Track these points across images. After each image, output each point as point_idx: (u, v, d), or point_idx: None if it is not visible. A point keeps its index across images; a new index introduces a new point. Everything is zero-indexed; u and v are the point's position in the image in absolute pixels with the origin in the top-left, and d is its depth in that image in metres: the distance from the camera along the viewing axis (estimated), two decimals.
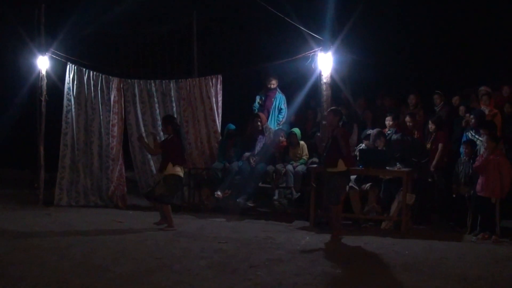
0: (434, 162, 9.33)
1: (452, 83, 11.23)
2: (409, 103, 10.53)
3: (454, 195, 8.96)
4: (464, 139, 9.27)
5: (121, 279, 5.72)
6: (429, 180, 9.42)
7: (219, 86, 10.95)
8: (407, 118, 9.91)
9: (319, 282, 5.76)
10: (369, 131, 9.78)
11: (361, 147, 9.66)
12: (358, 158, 9.20)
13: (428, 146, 9.54)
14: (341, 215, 8.39)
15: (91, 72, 11.14)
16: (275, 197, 10.13)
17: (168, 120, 8.94)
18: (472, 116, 9.30)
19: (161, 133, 10.61)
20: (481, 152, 8.58)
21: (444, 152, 9.40)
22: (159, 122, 10.97)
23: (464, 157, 8.87)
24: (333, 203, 7.92)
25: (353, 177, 9.27)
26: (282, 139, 10.31)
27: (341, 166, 7.87)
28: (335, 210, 8.02)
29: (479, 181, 8.28)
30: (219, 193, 9.94)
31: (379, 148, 9.43)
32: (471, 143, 8.92)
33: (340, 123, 8.07)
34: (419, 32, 12.36)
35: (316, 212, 9.01)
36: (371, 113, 10.78)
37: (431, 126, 9.54)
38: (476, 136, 9.08)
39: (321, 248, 7.44)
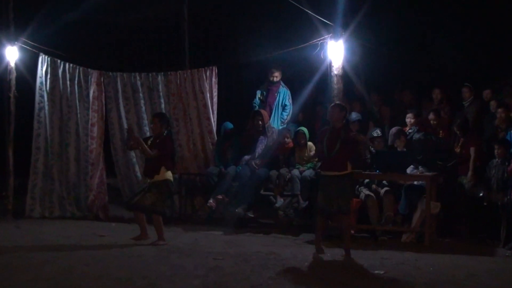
0: (469, 173, 9.22)
1: (483, 74, 11.19)
2: (434, 98, 10.49)
3: (485, 203, 8.93)
4: (508, 137, 9.16)
5: None
6: (456, 185, 9.42)
7: (214, 80, 10.97)
8: (431, 115, 9.89)
9: None
10: (375, 133, 9.71)
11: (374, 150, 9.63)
12: (372, 161, 9.20)
13: (458, 150, 9.48)
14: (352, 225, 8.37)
15: (67, 64, 11.14)
16: (278, 205, 10.05)
17: (163, 117, 8.87)
18: None
19: (148, 133, 10.64)
20: None
21: (478, 156, 9.35)
22: (145, 121, 10.98)
23: (497, 160, 8.83)
24: (345, 211, 7.81)
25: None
26: (288, 140, 10.27)
27: (349, 167, 7.79)
28: (347, 221, 7.95)
29: None
30: (211, 201, 9.91)
31: (398, 149, 9.41)
32: (504, 143, 8.87)
33: (344, 121, 8.03)
34: (444, 16, 12.32)
35: (327, 223, 8.97)
36: (389, 109, 10.76)
37: (457, 131, 9.54)
38: None
39: (332, 265, 7.40)
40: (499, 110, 9.40)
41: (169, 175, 8.53)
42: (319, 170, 9.07)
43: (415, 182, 9.11)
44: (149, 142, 8.58)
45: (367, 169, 9.15)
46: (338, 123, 7.82)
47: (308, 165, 9.99)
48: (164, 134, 8.66)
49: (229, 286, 6.30)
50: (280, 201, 9.93)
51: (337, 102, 8.38)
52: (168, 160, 8.55)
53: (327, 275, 6.85)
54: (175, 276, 6.64)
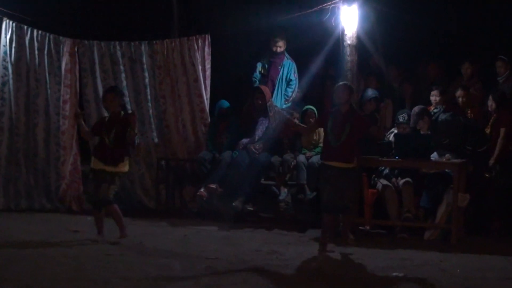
0: (496, 153, 9.31)
1: None
2: (463, 73, 10.48)
3: None
4: None
5: None
6: (487, 175, 9.44)
7: (207, 50, 10.99)
8: (459, 92, 9.90)
9: None
10: (401, 117, 9.70)
11: (394, 132, 9.65)
12: (393, 146, 9.21)
13: (488, 130, 9.54)
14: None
15: (36, 31, 11.11)
16: (281, 197, 10.10)
17: (118, 92, 8.78)
18: None
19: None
20: None
21: (509, 139, 9.38)
22: (127, 99, 10.99)
23: None
24: (350, 210, 7.99)
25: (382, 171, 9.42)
26: (295, 120, 10.26)
27: (355, 159, 7.98)
28: (348, 219, 8.08)
29: None
30: (202, 190, 9.94)
31: (421, 132, 9.44)
32: None
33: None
34: None
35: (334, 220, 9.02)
36: (411, 85, 10.77)
37: (491, 104, 9.52)
38: None
39: (343, 266, 7.45)
40: None
41: (127, 165, 8.57)
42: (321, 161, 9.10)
43: (442, 171, 9.14)
44: (129, 129, 8.30)
45: (385, 155, 9.17)
46: (345, 106, 7.96)
47: (316, 149, 10.01)
48: (122, 113, 8.49)
49: None
50: (284, 193, 9.98)
51: (344, 82, 8.41)
52: (127, 147, 8.48)
53: (337, 278, 6.89)
54: (161, 278, 6.65)
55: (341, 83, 8.29)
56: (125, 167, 8.45)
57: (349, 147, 7.85)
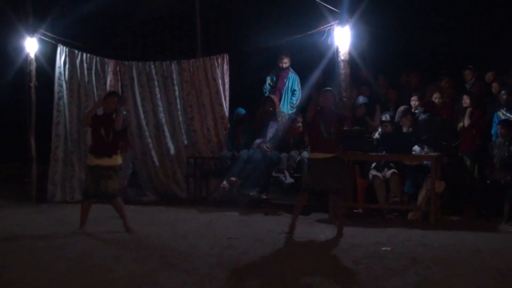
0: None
1: (487, 57, 11.12)
2: (442, 85, 10.42)
3: (488, 182, 8.95)
4: (495, 119, 9.22)
5: (124, 280, 5.78)
6: (459, 165, 9.43)
7: (226, 67, 10.96)
8: (436, 94, 9.88)
9: (340, 280, 5.78)
10: (384, 117, 9.69)
11: (380, 131, 9.64)
12: (379, 143, 9.22)
13: (460, 125, 9.52)
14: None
15: (85, 54, 11.17)
16: (287, 181, 9.98)
17: (118, 95, 8.49)
18: (503, 92, 9.25)
19: (163, 120, 10.76)
20: None
21: (477, 135, 9.37)
22: (161, 108, 11.05)
23: (500, 139, 8.83)
24: (334, 191, 7.85)
25: (373, 164, 9.40)
26: (299, 124, 10.28)
27: (336, 149, 7.92)
28: (337, 201, 8.04)
29: None
30: (224, 182, 9.95)
31: (404, 130, 9.44)
32: (508, 123, 8.86)
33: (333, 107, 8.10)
34: (448, 1, 12.24)
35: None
36: (396, 92, 10.76)
37: (465, 100, 9.50)
38: (508, 115, 9.02)
39: (341, 242, 7.43)
40: (502, 92, 9.39)
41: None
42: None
43: (421, 162, 9.14)
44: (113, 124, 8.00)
45: (374, 150, 9.18)
46: (330, 108, 7.96)
47: None
48: (114, 115, 8.09)
49: (243, 263, 6.37)
50: (289, 179, 9.94)
51: (327, 88, 8.34)
52: (122, 143, 8.25)
53: (337, 252, 6.90)
54: (192, 255, 6.71)
55: (327, 88, 8.17)
56: (117, 160, 8.06)
57: (333, 141, 7.82)
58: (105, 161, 7.94)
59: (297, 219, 8.05)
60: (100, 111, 8.19)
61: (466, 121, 9.40)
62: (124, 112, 8.79)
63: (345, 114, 8.50)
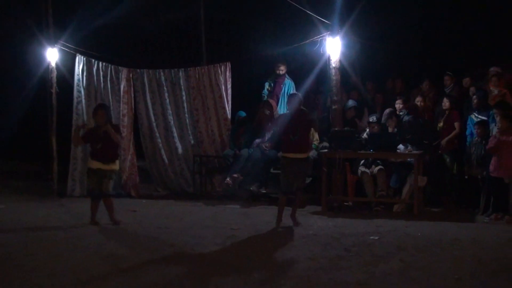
0: (448, 137, 9.34)
1: (464, 64, 11.11)
2: (423, 87, 10.40)
3: (466, 177, 8.94)
4: (468, 122, 9.21)
5: (137, 267, 5.77)
6: (440, 162, 9.43)
7: (228, 74, 10.97)
8: (418, 98, 9.87)
9: (333, 266, 5.78)
10: (371, 118, 9.68)
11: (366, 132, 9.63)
12: (368, 142, 9.22)
13: (440, 124, 9.51)
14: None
15: (101, 63, 11.17)
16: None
17: (107, 108, 8.31)
18: (474, 97, 9.24)
19: (171, 122, 10.71)
20: (494, 133, 8.51)
21: (459, 132, 9.37)
22: (170, 111, 11.05)
23: (477, 138, 8.81)
24: (300, 188, 7.79)
25: (362, 161, 9.40)
26: None
27: (308, 150, 7.87)
28: (300, 195, 7.92)
29: (492, 162, 8.23)
30: (228, 179, 9.95)
31: (390, 130, 9.44)
32: (483, 123, 8.85)
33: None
34: (429, 13, 12.24)
35: (328, 196, 9.05)
36: (382, 96, 10.76)
37: (445, 103, 9.48)
38: (480, 117, 9.02)
39: (333, 232, 7.42)
40: (473, 97, 9.37)
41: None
42: (322, 151, 9.09)
43: (405, 160, 9.13)
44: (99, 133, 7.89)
45: (362, 149, 9.17)
46: (297, 111, 7.70)
47: (313, 145, 9.96)
48: (108, 125, 7.89)
49: (244, 251, 6.38)
50: None
51: (295, 92, 8.19)
52: (117, 151, 8.20)
53: (329, 240, 6.89)
54: (198, 244, 6.70)
55: (294, 93, 8.04)
56: (116, 166, 8.01)
57: (304, 141, 7.71)
58: (106, 166, 7.85)
59: (281, 220, 7.86)
60: (90, 124, 8.11)
61: (443, 124, 9.44)
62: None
63: (311, 117, 8.20)
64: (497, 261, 5.90)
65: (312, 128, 8.11)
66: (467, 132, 9.20)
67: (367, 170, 9.25)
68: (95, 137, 7.94)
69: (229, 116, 10.97)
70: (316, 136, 10.04)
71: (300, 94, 8.13)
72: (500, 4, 11.51)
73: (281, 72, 10.86)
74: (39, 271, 5.65)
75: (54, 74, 11.06)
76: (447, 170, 9.42)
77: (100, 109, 8.04)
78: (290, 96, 7.92)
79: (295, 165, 7.64)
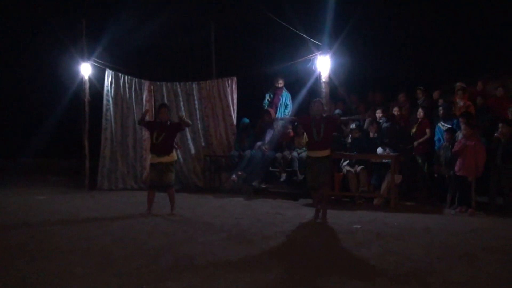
0: (420, 140, 9.37)
1: (434, 79, 11.11)
2: (399, 98, 10.40)
3: (436, 175, 8.94)
4: (436, 130, 9.22)
5: (156, 249, 5.78)
6: (413, 162, 9.42)
7: (234, 86, 11.00)
8: (395, 108, 9.90)
9: (323, 248, 5.81)
10: (352, 126, 9.64)
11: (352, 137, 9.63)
12: (351, 146, 9.23)
13: (414, 130, 9.52)
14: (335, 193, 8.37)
15: (126, 76, 11.21)
16: (282, 179, 10.06)
17: (168, 107, 8.23)
18: (440, 108, 9.29)
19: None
20: (460, 138, 8.52)
21: (429, 136, 9.37)
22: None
23: (445, 143, 8.83)
24: (325, 184, 7.55)
25: (346, 161, 9.40)
26: (289, 130, 10.31)
27: (329, 150, 7.54)
28: (327, 190, 7.65)
29: (458, 163, 8.24)
30: (233, 176, 9.97)
31: (371, 135, 9.44)
32: (451, 131, 8.86)
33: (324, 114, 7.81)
34: (404, 37, 12.24)
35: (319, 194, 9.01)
36: (364, 107, 10.76)
37: (419, 113, 9.51)
38: (446, 125, 9.03)
39: (323, 222, 7.42)
40: (439, 108, 9.38)
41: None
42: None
43: (383, 160, 9.13)
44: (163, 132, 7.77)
45: (347, 151, 9.17)
46: (320, 114, 7.56)
47: (304, 148, 9.98)
48: (168, 122, 7.95)
49: (247, 237, 6.37)
50: (283, 176, 9.96)
51: (318, 98, 8.12)
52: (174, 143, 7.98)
53: (320, 229, 6.91)
54: (207, 231, 6.72)
55: (317, 99, 7.81)
56: (174, 157, 7.86)
57: (326, 141, 7.45)
58: (165, 159, 7.73)
59: (319, 207, 7.70)
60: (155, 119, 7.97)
61: (416, 129, 9.43)
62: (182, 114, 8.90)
63: (336, 118, 8.16)
64: (462, 247, 5.91)
65: (331, 130, 7.67)
66: (435, 138, 9.22)
67: (351, 169, 9.25)
68: (159, 128, 7.76)
69: (234, 122, 10.97)
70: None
71: (322, 100, 8.09)
72: (465, 27, 11.51)
73: (279, 85, 10.87)
74: (73, 253, 5.66)
75: (87, 85, 11.13)
76: (419, 170, 9.42)
77: (163, 107, 8.02)
78: (314, 102, 7.64)
79: (319, 163, 7.42)
